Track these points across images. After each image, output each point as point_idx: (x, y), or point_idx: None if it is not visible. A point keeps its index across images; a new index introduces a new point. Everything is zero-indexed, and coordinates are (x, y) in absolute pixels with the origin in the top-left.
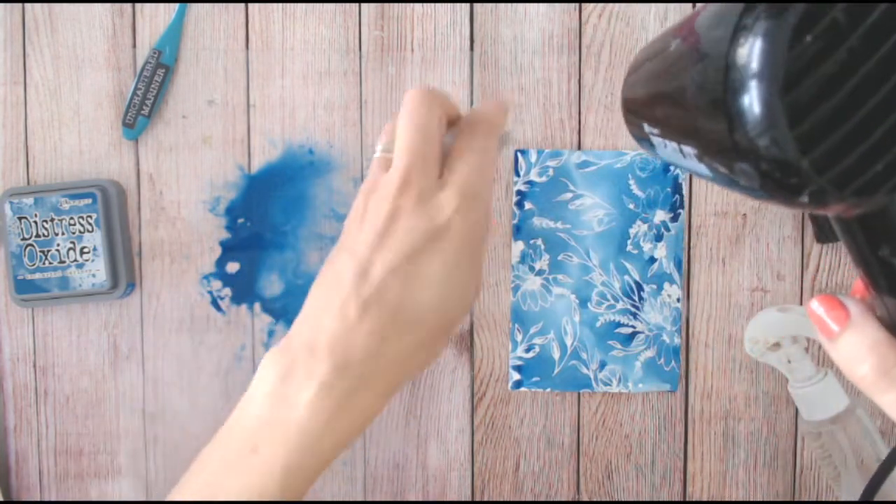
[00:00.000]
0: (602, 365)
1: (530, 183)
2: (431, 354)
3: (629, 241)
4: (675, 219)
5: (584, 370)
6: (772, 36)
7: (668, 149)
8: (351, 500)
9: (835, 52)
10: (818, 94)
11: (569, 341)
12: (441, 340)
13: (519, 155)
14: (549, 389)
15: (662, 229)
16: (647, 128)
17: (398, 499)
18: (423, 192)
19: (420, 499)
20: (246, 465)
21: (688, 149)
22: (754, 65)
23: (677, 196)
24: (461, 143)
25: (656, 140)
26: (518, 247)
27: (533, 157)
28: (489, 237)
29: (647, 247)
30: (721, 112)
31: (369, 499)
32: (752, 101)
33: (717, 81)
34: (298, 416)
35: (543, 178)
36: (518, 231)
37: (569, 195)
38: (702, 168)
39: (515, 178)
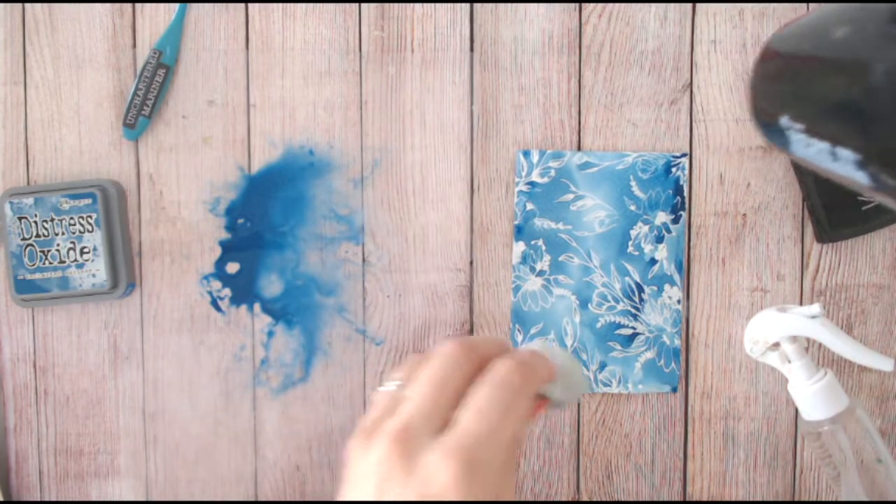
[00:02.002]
0: (602, 366)
1: (532, 184)
2: None
3: (630, 243)
4: (676, 220)
5: (584, 371)
6: None
7: (813, 148)
8: None
9: None
10: None
11: (569, 342)
12: None
13: (521, 156)
14: None
15: (663, 231)
16: (787, 121)
17: None
18: (416, 454)
19: None
20: None
21: (846, 153)
22: None
23: (678, 198)
24: (477, 392)
25: (797, 136)
26: (519, 247)
27: (535, 158)
28: None
29: (647, 248)
30: None
31: None
32: None
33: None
34: None
35: (545, 179)
36: (519, 232)
37: (570, 196)
38: (857, 175)
39: (517, 179)
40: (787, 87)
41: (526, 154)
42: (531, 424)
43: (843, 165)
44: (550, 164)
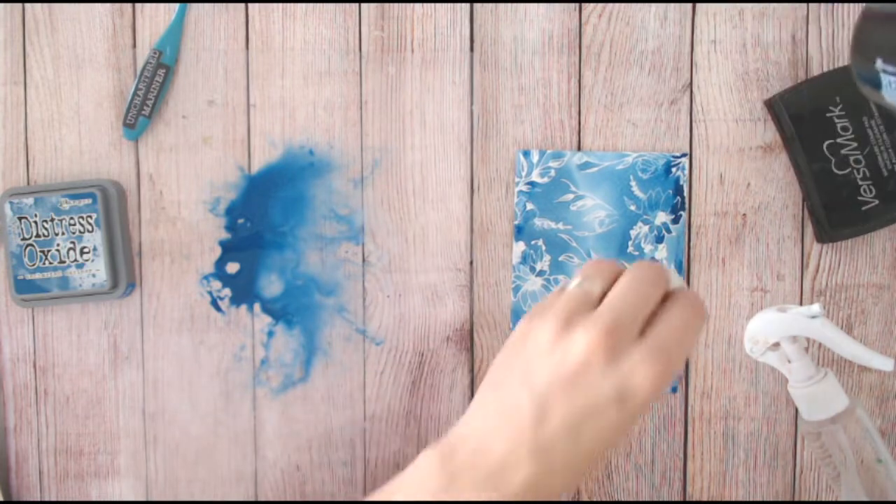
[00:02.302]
0: None
1: (532, 184)
2: (581, 481)
3: (630, 243)
4: (675, 220)
5: None
6: None
7: None
8: (351, 499)
9: None
10: None
11: None
12: (592, 470)
13: (521, 155)
14: None
15: (663, 231)
16: (881, 63)
17: None
18: (622, 349)
19: None
20: None
21: None
22: None
23: (678, 198)
24: (673, 311)
25: (890, 78)
26: (519, 247)
27: (535, 158)
28: None
29: (647, 248)
30: None
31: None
32: None
33: None
34: None
35: (545, 179)
36: (519, 232)
37: (570, 196)
38: None
39: (517, 179)
40: (882, 34)
41: (526, 154)
42: None
43: None
44: (550, 165)
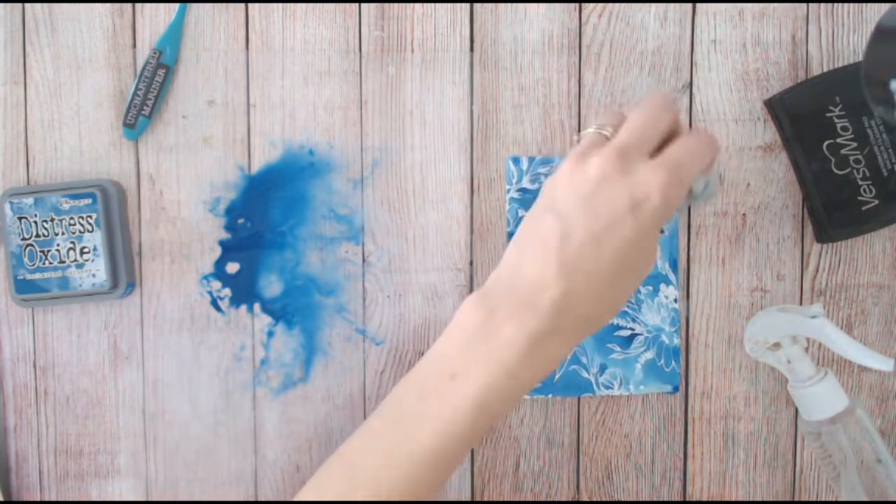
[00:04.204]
0: (602, 368)
1: (523, 190)
2: (614, 312)
3: None
4: (668, 220)
5: (585, 374)
6: None
7: None
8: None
9: None
10: None
11: None
12: (623, 302)
13: (510, 163)
14: (550, 396)
15: None
16: (895, 85)
17: None
18: (633, 164)
19: None
20: (444, 389)
21: None
22: None
23: None
24: (682, 138)
25: None
26: None
27: (524, 165)
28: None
29: None
30: None
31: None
32: None
33: None
34: (498, 348)
35: (536, 186)
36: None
37: None
38: None
39: (508, 186)
40: (893, 55)
41: (516, 161)
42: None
43: None
44: (540, 171)
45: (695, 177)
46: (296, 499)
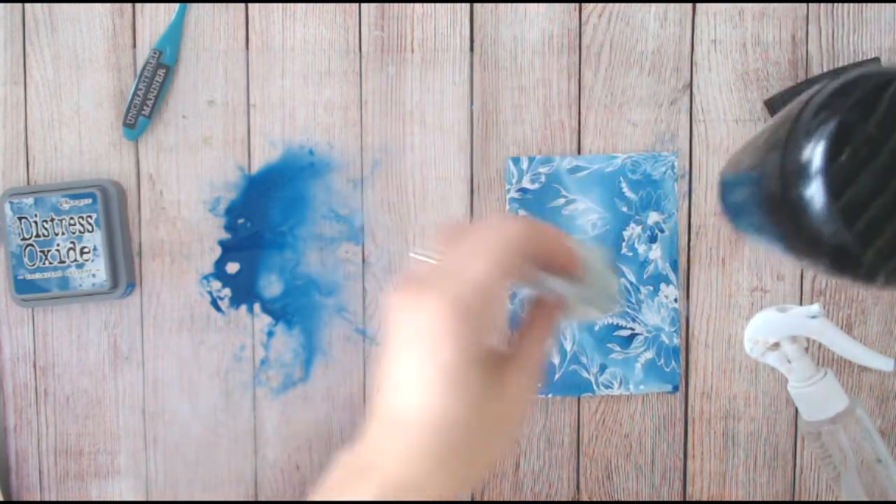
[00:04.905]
0: (602, 368)
1: (523, 190)
2: (469, 483)
3: (624, 244)
4: (668, 219)
5: (585, 374)
6: (817, 150)
7: (763, 242)
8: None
9: (874, 160)
10: (867, 196)
11: (568, 346)
12: (475, 474)
13: (511, 163)
14: (550, 395)
15: (656, 231)
16: (743, 227)
17: None
18: (421, 292)
19: None
20: None
21: (775, 244)
22: (815, 165)
23: (670, 197)
24: (540, 324)
25: (753, 236)
26: None
27: (524, 165)
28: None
29: (641, 249)
30: (790, 208)
31: None
32: (814, 196)
33: (783, 180)
34: None
35: (536, 185)
36: None
37: (562, 201)
38: (792, 260)
39: (508, 187)
40: (729, 192)
41: (516, 161)
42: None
43: (783, 253)
44: (540, 170)
45: (487, 292)
46: None
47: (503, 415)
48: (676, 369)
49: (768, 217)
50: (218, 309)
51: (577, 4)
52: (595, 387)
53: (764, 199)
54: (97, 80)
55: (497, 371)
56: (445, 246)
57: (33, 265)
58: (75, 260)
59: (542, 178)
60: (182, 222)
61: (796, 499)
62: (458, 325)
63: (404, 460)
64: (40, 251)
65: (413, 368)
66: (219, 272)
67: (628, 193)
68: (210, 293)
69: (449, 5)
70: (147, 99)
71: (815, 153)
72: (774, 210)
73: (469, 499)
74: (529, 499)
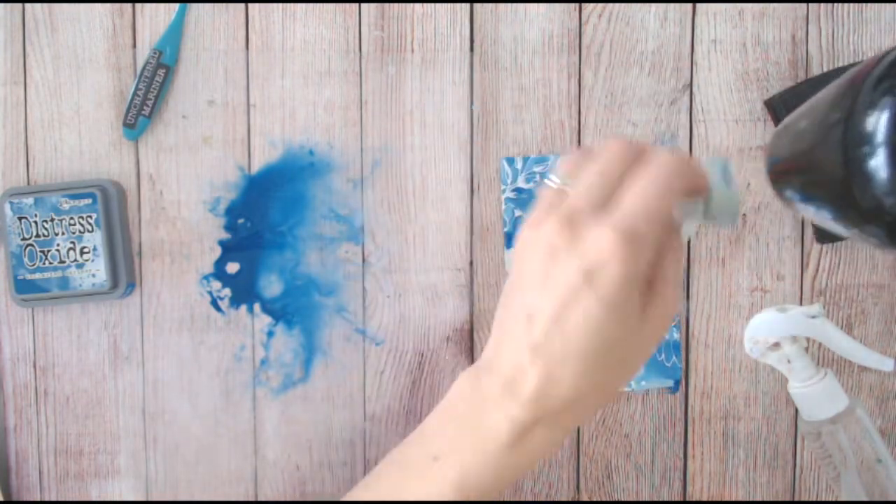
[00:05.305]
0: None
1: (518, 190)
2: (606, 392)
3: None
4: None
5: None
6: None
7: (810, 212)
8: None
9: None
10: None
11: None
12: (616, 380)
13: (505, 163)
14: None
15: None
16: (789, 193)
17: None
18: (581, 232)
19: None
20: (426, 472)
21: (824, 213)
22: (879, 136)
23: None
24: (636, 178)
25: (799, 205)
26: (510, 255)
27: (519, 165)
28: (669, 303)
29: None
30: (850, 177)
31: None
32: (878, 167)
33: (844, 150)
34: (482, 435)
35: (531, 185)
36: (510, 239)
37: None
38: (840, 229)
39: (503, 187)
40: (780, 162)
41: (510, 161)
42: (691, 220)
43: (830, 224)
44: (535, 170)
45: (660, 217)
46: None
47: (648, 337)
48: (678, 364)
49: (823, 186)
50: (218, 309)
51: (577, 4)
52: None
53: (821, 168)
54: (97, 80)
55: (644, 297)
56: (576, 173)
57: (33, 265)
58: (75, 260)
59: (537, 178)
60: (182, 222)
61: (796, 499)
62: (625, 250)
63: (557, 377)
64: (40, 251)
65: (579, 287)
66: (219, 272)
67: None
68: (210, 293)
69: (449, 5)
70: (147, 99)
71: (879, 124)
72: (832, 179)
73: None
74: (529, 499)
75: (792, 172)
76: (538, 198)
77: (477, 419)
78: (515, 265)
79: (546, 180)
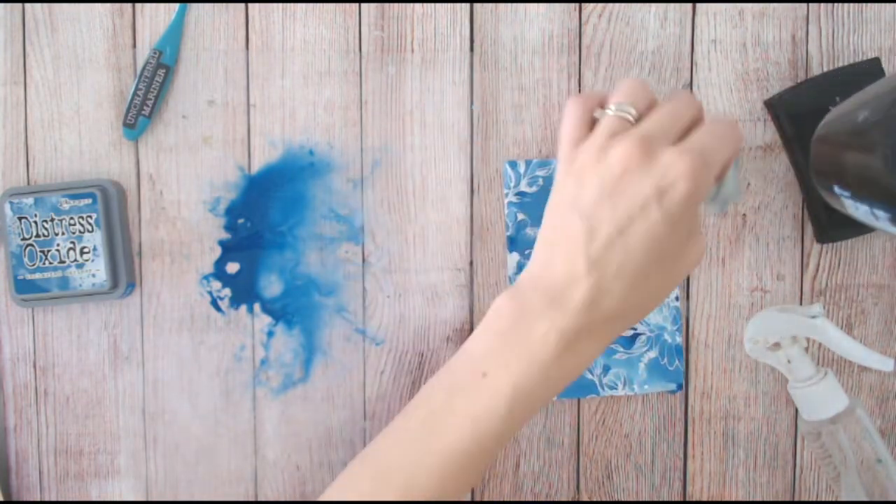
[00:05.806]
0: (606, 369)
1: (521, 194)
2: (647, 308)
3: None
4: None
5: (589, 376)
6: None
7: (860, 211)
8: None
9: None
10: None
11: None
12: (658, 296)
13: (507, 167)
14: (555, 398)
15: None
16: (837, 189)
17: None
18: (657, 152)
19: None
20: (476, 388)
21: (880, 212)
22: None
23: None
24: (707, 125)
25: (847, 202)
26: (514, 258)
27: (522, 168)
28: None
29: None
30: None
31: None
32: None
33: None
34: (529, 347)
35: (534, 188)
36: (512, 243)
37: None
38: (893, 229)
39: (506, 190)
40: (830, 157)
41: (513, 165)
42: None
43: (884, 224)
44: (538, 173)
45: (721, 163)
46: (321, 499)
47: (684, 266)
48: (680, 367)
49: (889, 173)
50: (218, 309)
51: (577, 4)
52: (599, 388)
53: (882, 154)
54: (97, 80)
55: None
56: (634, 101)
57: (33, 265)
58: (75, 260)
59: (540, 181)
60: (182, 222)
61: (796, 499)
62: (696, 172)
63: (608, 289)
64: (40, 251)
65: (649, 202)
66: (219, 272)
67: None
68: (210, 293)
69: (449, 5)
70: (147, 99)
71: None
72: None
73: (469, 499)
74: (529, 499)
75: (842, 163)
76: (598, 125)
77: (524, 333)
78: (567, 186)
79: (611, 111)
